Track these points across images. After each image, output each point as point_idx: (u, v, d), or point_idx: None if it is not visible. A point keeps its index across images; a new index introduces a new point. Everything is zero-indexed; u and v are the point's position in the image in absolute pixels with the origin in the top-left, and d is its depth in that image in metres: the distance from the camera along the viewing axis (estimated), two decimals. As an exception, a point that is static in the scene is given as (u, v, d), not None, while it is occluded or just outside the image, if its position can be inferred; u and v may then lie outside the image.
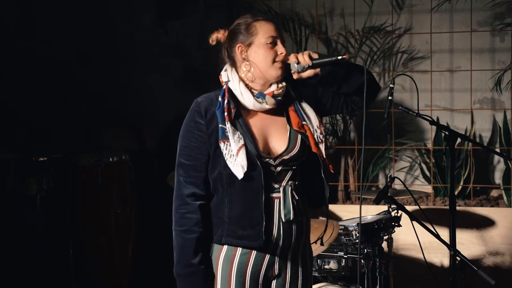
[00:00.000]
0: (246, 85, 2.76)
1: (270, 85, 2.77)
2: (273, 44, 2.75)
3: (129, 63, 5.84)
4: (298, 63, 2.75)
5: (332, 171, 2.82)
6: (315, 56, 2.76)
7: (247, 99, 2.75)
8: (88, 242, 4.88)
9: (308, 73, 2.76)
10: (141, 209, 5.13)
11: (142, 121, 5.81)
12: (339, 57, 2.74)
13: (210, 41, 2.83)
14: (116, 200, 4.93)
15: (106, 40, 5.83)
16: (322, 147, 2.79)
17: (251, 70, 2.75)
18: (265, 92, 2.76)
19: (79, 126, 5.47)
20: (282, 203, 2.76)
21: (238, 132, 2.71)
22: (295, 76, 2.77)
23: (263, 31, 2.74)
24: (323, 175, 2.81)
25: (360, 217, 2.97)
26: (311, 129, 2.79)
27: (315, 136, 2.79)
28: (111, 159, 4.92)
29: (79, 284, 4.82)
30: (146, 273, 5.26)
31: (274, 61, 2.74)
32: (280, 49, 2.75)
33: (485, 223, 4.90)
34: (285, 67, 2.76)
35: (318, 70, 2.76)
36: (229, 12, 5.85)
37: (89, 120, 5.56)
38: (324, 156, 2.79)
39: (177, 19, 5.88)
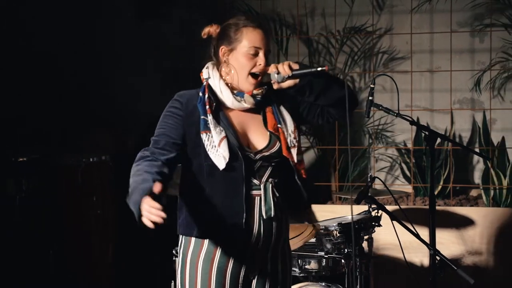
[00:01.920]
0: (226, 83, 2.77)
1: None
2: (255, 54, 2.75)
3: (110, 63, 5.81)
4: (278, 73, 2.75)
5: (305, 176, 2.83)
6: (295, 66, 2.76)
7: (226, 97, 2.77)
8: (68, 242, 4.86)
9: (288, 83, 2.76)
10: (121, 209, 5.10)
11: (123, 121, 5.78)
12: (319, 69, 2.74)
13: (202, 34, 2.85)
14: (96, 201, 4.90)
15: (87, 40, 5.80)
16: (294, 151, 2.80)
17: (229, 73, 2.77)
18: (244, 91, 2.77)
19: (60, 127, 5.44)
20: (263, 199, 2.77)
21: (220, 125, 2.73)
22: (275, 86, 2.79)
23: (248, 39, 2.75)
24: (297, 180, 2.82)
25: (352, 216, 2.97)
26: (285, 133, 2.81)
27: (288, 140, 2.80)
28: (91, 160, 4.90)
29: (59, 284, 4.79)
30: (127, 273, 5.23)
31: (250, 73, 2.75)
32: (260, 60, 2.75)
33: (464, 222, 4.92)
34: (263, 78, 2.77)
35: (297, 80, 2.77)
36: (211, 11, 5.84)
37: (70, 120, 5.52)
38: (295, 161, 2.80)
39: (158, 19, 5.86)
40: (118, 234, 5.07)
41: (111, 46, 5.82)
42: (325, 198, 5.60)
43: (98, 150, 5.11)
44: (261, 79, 2.78)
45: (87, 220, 4.91)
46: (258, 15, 5.56)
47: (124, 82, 5.79)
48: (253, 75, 2.76)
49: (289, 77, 2.75)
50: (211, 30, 2.84)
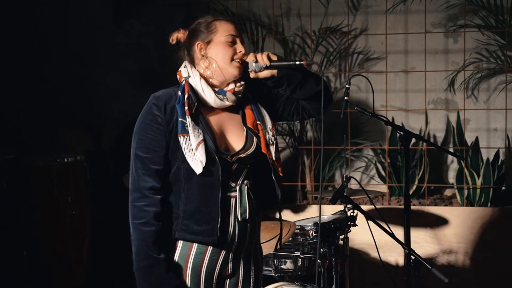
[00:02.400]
0: (208, 82, 2.77)
1: (228, 84, 2.78)
2: (232, 42, 2.76)
3: (86, 62, 5.78)
4: (256, 62, 2.76)
5: (281, 174, 2.85)
6: (274, 57, 2.77)
7: (208, 96, 2.76)
8: (43, 242, 4.82)
9: (265, 73, 2.78)
10: (97, 209, 5.08)
11: (98, 121, 5.75)
12: (297, 62, 2.75)
13: (170, 40, 2.84)
14: (71, 201, 4.87)
15: (63, 39, 5.76)
16: (272, 149, 2.82)
17: (209, 66, 2.76)
18: (225, 89, 2.77)
19: (34, 126, 5.39)
20: (238, 202, 2.77)
21: (198, 127, 2.71)
22: (252, 75, 2.79)
23: (223, 29, 2.76)
24: (273, 178, 2.83)
25: (320, 216, 2.98)
26: (264, 130, 2.82)
27: (267, 137, 2.81)
28: (66, 160, 4.86)
29: (34, 285, 4.76)
30: (102, 273, 5.20)
31: (232, 59, 2.75)
32: (239, 47, 2.77)
33: (439, 222, 4.96)
34: (243, 66, 2.76)
35: (275, 71, 2.77)
36: (188, 12, 5.83)
37: (45, 120, 5.48)
38: (274, 158, 2.81)
39: (136, 18, 5.84)
40: (94, 234, 5.05)
41: (87, 46, 5.79)
42: (301, 198, 5.62)
43: (73, 150, 5.08)
44: (242, 67, 2.78)
45: (62, 220, 4.87)
46: (234, 15, 5.56)
47: (100, 82, 5.76)
48: (236, 60, 2.76)
49: (266, 67, 2.75)
50: (179, 35, 2.82)
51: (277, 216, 3.02)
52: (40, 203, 4.80)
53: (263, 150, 2.79)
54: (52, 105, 5.55)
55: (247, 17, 5.68)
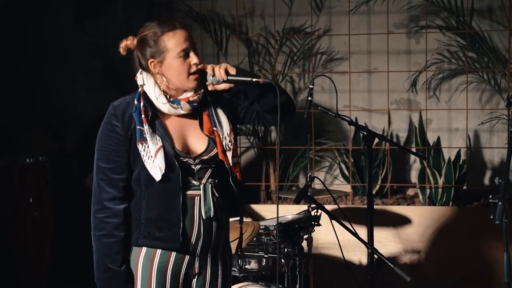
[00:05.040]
0: (163, 90, 2.75)
1: (184, 91, 2.77)
2: (185, 56, 2.72)
3: (48, 62, 5.72)
4: (214, 75, 2.73)
5: (240, 179, 2.84)
6: (232, 71, 2.75)
7: (161, 104, 2.75)
8: (3, 244, 4.75)
9: (223, 86, 2.75)
10: (59, 210, 5.02)
11: (60, 121, 5.69)
12: (254, 79, 2.73)
13: (121, 50, 2.79)
14: (32, 202, 4.81)
15: (27, 40, 5.70)
16: (229, 154, 2.81)
17: (168, 83, 2.74)
18: (180, 98, 2.76)
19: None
20: (202, 200, 2.77)
21: (156, 134, 2.70)
22: (209, 88, 2.78)
23: (173, 45, 2.70)
24: (231, 182, 2.83)
25: (278, 217, 2.97)
26: (221, 136, 2.81)
27: (224, 143, 2.81)
28: (27, 160, 4.81)
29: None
30: (64, 276, 5.15)
31: (189, 74, 2.73)
32: (193, 59, 2.73)
33: (401, 221, 4.99)
34: (202, 75, 2.75)
35: (232, 85, 2.75)
36: (150, 11, 5.79)
37: (6, 120, 5.42)
38: (231, 164, 2.80)
39: (97, 18, 5.79)
40: (55, 236, 4.99)
41: (50, 46, 5.73)
42: (265, 197, 5.62)
43: (35, 150, 5.02)
44: (200, 77, 2.76)
45: (23, 221, 4.81)
46: (198, 15, 5.54)
47: (63, 82, 5.70)
48: (192, 73, 2.75)
49: (224, 81, 2.74)
50: (128, 43, 2.77)
51: (237, 219, 3.01)
52: (1, 204, 4.74)
53: (220, 156, 2.79)
54: (15, 106, 5.49)
55: (210, 17, 5.66)
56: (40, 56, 5.69)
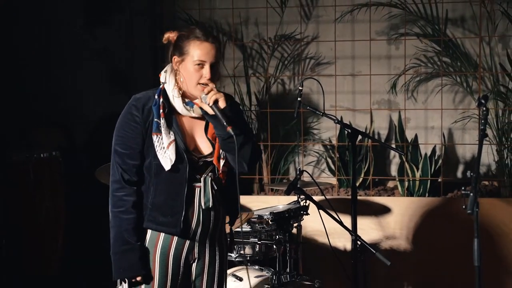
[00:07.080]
0: (180, 91, 2.77)
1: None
2: (201, 67, 2.73)
3: (60, 66, 5.72)
4: (206, 95, 2.73)
5: (224, 183, 2.84)
6: (222, 104, 2.71)
7: (177, 104, 2.78)
8: (20, 233, 4.76)
9: (206, 107, 2.74)
10: (71, 201, 5.03)
11: (71, 120, 5.70)
12: (225, 123, 2.68)
13: (163, 39, 2.83)
14: (47, 194, 4.82)
15: (38, 44, 5.70)
16: (221, 162, 2.83)
17: (183, 81, 2.77)
18: (194, 102, 2.78)
19: (12, 125, 5.33)
20: (202, 192, 2.79)
21: (170, 129, 2.74)
22: (197, 101, 2.76)
23: (195, 53, 2.73)
24: (215, 186, 2.82)
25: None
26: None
27: (220, 151, 2.83)
28: (42, 155, 4.82)
29: (12, 274, 4.69)
30: (76, 261, 5.16)
31: (198, 83, 2.75)
32: (206, 72, 2.74)
33: (382, 210, 5.01)
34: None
35: (212, 112, 2.73)
36: (153, 20, 5.80)
37: (22, 119, 5.42)
38: (220, 171, 2.83)
39: (105, 25, 5.79)
40: (68, 224, 5.00)
41: (62, 50, 5.73)
42: (258, 189, 5.63)
43: (49, 146, 5.03)
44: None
45: (39, 211, 4.82)
46: (197, 23, 5.55)
47: (73, 84, 5.70)
48: (201, 84, 2.76)
49: (209, 105, 2.72)
50: (170, 36, 2.83)
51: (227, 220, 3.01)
52: (18, 195, 4.74)
53: (214, 161, 2.81)
54: (29, 106, 5.49)
55: (209, 25, 5.67)
56: (52, 59, 5.69)
